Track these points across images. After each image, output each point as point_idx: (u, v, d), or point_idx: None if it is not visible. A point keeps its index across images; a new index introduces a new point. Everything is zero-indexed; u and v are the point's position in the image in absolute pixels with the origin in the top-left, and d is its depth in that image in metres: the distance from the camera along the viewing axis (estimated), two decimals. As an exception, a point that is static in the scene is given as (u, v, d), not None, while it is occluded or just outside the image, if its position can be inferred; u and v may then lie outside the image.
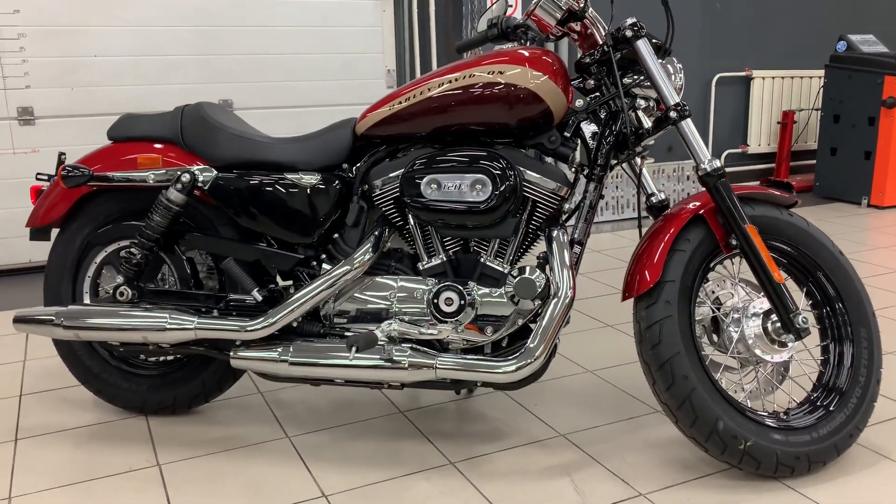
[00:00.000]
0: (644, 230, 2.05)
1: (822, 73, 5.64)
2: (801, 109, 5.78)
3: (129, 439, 2.19)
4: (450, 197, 1.93)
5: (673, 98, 1.92)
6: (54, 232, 2.31)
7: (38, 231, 2.30)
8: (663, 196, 2.15)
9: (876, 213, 4.95)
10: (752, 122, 5.70)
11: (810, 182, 5.54)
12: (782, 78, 5.71)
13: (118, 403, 2.32)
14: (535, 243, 2.05)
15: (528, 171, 1.94)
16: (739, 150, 5.73)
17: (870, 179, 5.09)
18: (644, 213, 2.14)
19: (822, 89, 5.37)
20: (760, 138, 5.75)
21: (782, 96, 5.75)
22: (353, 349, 1.85)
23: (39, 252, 3.86)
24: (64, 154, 2.26)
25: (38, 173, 2.25)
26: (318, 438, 2.18)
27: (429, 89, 1.96)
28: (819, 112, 5.48)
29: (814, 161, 5.60)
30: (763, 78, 5.63)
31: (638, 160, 2.13)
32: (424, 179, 1.94)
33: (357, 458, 2.07)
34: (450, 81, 1.94)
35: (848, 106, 5.17)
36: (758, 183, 5.73)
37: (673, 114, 1.91)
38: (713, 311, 2.02)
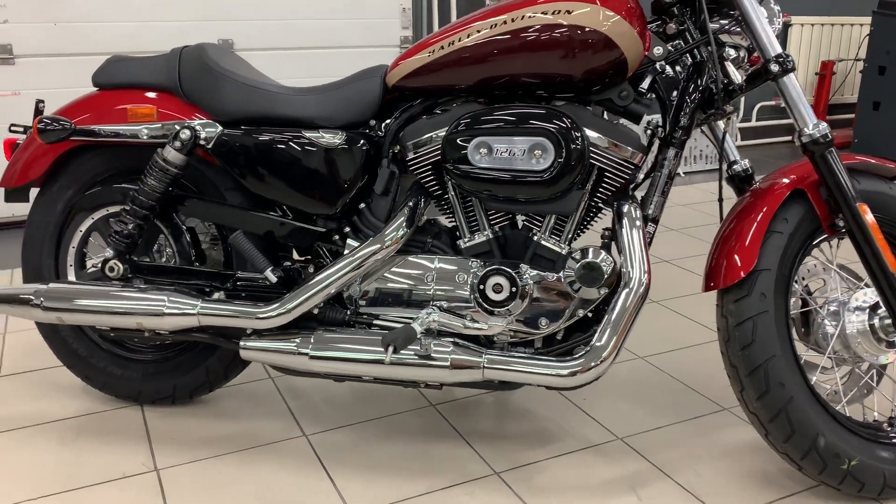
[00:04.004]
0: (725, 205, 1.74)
1: (868, 20, 5.23)
2: (842, 60, 5.39)
3: (123, 436, 1.90)
4: (502, 164, 1.61)
5: (774, 48, 1.58)
6: (34, 192, 1.99)
7: (13, 192, 1.98)
8: (747, 164, 1.83)
9: (922, 174, 4.62)
10: (787, 73, 5.32)
11: (848, 138, 5.17)
12: (822, 25, 5.30)
13: (110, 392, 2.03)
14: (596, 219, 1.74)
15: (595, 134, 1.62)
16: (772, 103, 5.35)
17: (916, 137, 4.74)
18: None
19: (867, 38, 4.97)
20: (796, 90, 5.37)
21: (821, 45, 5.35)
22: (391, 349, 1.55)
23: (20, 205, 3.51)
24: (42, 102, 1.93)
25: (12, 125, 1.92)
26: (338, 437, 1.90)
27: (477, 31, 1.62)
28: (862, 63, 5.09)
29: (852, 115, 5.24)
30: (802, 25, 5.23)
31: (721, 122, 1.80)
32: (472, 142, 1.62)
33: (385, 464, 1.79)
34: (504, 23, 1.60)
35: (896, 57, 4.79)
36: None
37: (774, 66, 1.57)
38: (808, 303, 1.72)
